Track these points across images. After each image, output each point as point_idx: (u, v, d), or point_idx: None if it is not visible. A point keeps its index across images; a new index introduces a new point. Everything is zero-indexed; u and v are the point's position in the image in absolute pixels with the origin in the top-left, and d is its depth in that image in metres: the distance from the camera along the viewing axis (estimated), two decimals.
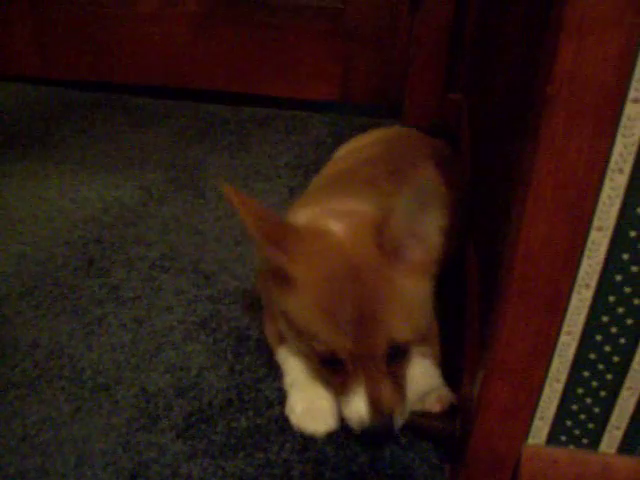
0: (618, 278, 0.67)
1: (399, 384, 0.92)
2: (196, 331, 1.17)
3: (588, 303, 0.69)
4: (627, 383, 0.73)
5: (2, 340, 1.14)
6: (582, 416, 0.77)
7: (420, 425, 0.96)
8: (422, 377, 1.00)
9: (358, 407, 0.90)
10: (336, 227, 0.93)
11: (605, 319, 0.70)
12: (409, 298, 0.90)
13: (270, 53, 2.07)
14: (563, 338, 0.71)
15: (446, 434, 0.94)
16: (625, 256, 0.66)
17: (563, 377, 0.74)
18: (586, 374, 0.74)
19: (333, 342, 0.88)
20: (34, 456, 0.94)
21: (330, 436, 0.97)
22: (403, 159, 1.27)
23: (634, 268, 0.66)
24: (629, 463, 0.78)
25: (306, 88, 2.10)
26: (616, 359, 0.72)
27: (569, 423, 0.77)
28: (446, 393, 0.97)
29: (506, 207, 0.78)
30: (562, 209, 0.63)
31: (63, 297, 1.24)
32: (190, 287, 1.27)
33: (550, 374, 0.74)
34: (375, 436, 0.93)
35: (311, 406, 0.98)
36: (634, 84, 0.57)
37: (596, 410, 0.76)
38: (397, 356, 0.91)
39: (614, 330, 0.70)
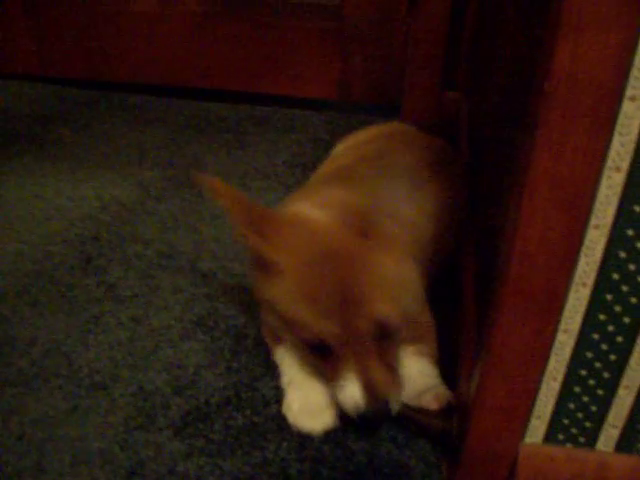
0: (615, 276, 0.67)
1: (391, 366, 0.92)
2: (193, 329, 1.16)
3: (585, 301, 0.69)
4: (624, 381, 0.73)
5: None
6: (579, 414, 0.77)
7: (417, 423, 0.96)
8: (419, 375, 1.00)
9: (352, 392, 0.89)
10: (317, 214, 0.93)
11: (602, 317, 0.70)
12: (391, 279, 0.90)
13: (268, 51, 2.07)
14: (560, 336, 0.71)
15: (443, 432, 0.94)
16: (622, 254, 0.66)
17: (560, 376, 0.74)
18: (583, 372, 0.74)
19: (319, 328, 0.88)
20: (31, 454, 0.94)
21: (327, 435, 0.97)
22: (401, 157, 1.27)
23: (631, 266, 0.66)
24: (626, 461, 0.78)
25: (304, 86, 2.09)
26: (613, 357, 0.72)
27: (566, 422, 0.77)
28: (443, 391, 0.97)
29: (504, 205, 0.77)
30: (559, 207, 0.63)
31: (60, 295, 1.24)
32: (188, 285, 1.27)
33: (547, 372, 0.74)
34: (371, 420, 0.92)
35: (308, 404, 0.98)
36: (631, 82, 0.57)
37: (593, 408, 0.76)
38: (386, 338, 0.90)
39: (611, 328, 0.70)
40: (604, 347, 0.71)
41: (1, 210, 1.51)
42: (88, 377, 1.06)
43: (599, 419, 0.76)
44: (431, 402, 0.96)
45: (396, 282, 0.91)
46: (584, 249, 0.66)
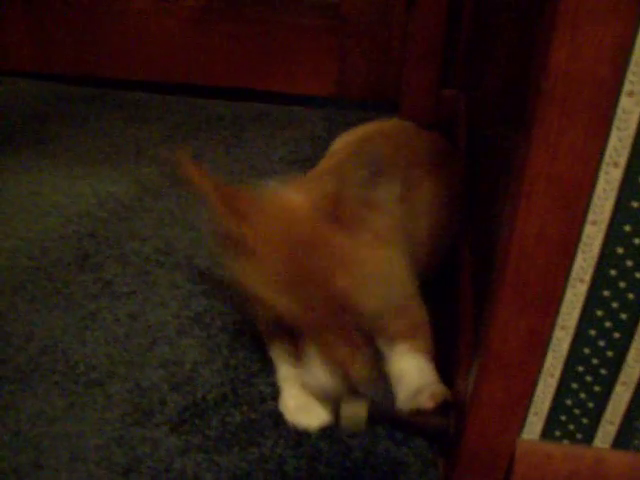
0: (613, 273, 0.67)
1: (357, 345, 0.92)
2: (190, 326, 1.16)
3: (582, 298, 0.69)
4: (621, 378, 0.73)
5: None
6: (576, 411, 0.77)
7: (414, 423, 0.96)
8: (415, 373, 1.00)
9: (318, 372, 0.91)
10: (293, 198, 0.94)
11: (599, 314, 0.70)
12: (366, 266, 0.90)
13: (266, 48, 2.06)
14: (557, 333, 0.71)
15: (440, 430, 0.93)
16: (620, 250, 0.66)
17: (557, 372, 0.74)
18: (580, 369, 0.74)
19: (284, 308, 0.88)
20: (27, 451, 0.93)
21: (324, 431, 0.97)
22: (399, 154, 1.27)
23: (629, 262, 0.66)
24: (623, 458, 0.78)
25: (302, 83, 2.09)
26: (610, 354, 0.72)
27: (563, 418, 0.77)
28: (439, 389, 0.96)
29: (501, 201, 0.77)
30: (556, 203, 0.63)
31: (57, 292, 1.24)
32: (185, 282, 1.27)
33: (544, 369, 0.74)
34: (336, 395, 0.93)
35: (304, 401, 0.98)
36: (629, 77, 0.57)
37: (590, 405, 0.76)
38: (351, 317, 0.90)
39: (608, 325, 0.70)
40: (601, 343, 0.71)
41: None
42: (85, 373, 1.06)
43: (596, 415, 0.76)
44: (427, 401, 0.96)
45: (372, 271, 0.91)
46: (581, 245, 0.66)
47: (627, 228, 0.64)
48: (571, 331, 0.71)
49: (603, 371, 0.73)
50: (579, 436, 0.78)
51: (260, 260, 0.89)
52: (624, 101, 0.58)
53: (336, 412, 0.96)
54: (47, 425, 0.97)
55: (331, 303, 0.88)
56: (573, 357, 0.73)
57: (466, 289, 1.04)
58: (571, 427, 0.78)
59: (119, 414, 0.99)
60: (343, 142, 1.50)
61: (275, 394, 1.02)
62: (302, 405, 0.98)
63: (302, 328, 0.90)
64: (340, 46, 2.02)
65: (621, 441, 0.78)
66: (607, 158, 0.61)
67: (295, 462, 0.92)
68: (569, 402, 0.76)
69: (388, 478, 0.90)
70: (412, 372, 1.00)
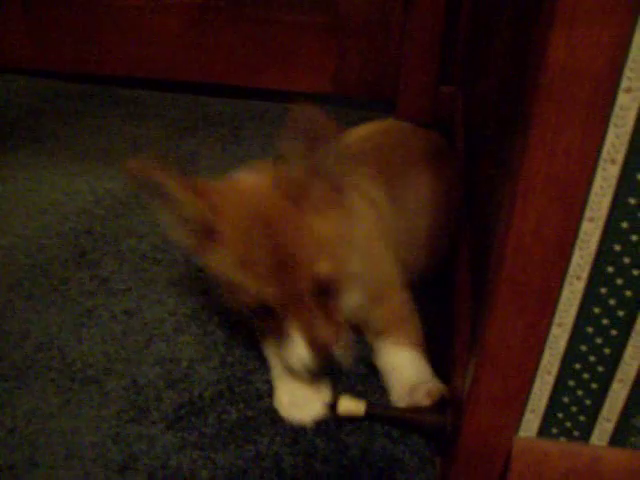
0: (610, 270, 0.67)
1: (333, 319, 0.95)
2: (187, 323, 1.16)
3: (579, 295, 0.69)
4: (618, 375, 0.73)
5: None
6: (573, 408, 0.76)
7: (410, 420, 0.96)
8: (407, 368, 1.01)
9: (297, 349, 0.92)
10: (246, 180, 0.96)
11: (597, 311, 0.69)
12: (320, 231, 0.92)
13: (264, 46, 2.06)
14: (554, 330, 0.71)
15: (437, 427, 0.93)
16: (617, 247, 0.65)
17: (554, 369, 0.74)
18: (577, 366, 0.73)
19: (258, 291, 0.90)
20: (23, 448, 0.93)
21: (321, 428, 0.96)
22: (395, 154, 1.27)
23: (626, 259, 0.66)
24: (620, 455, 0.78)
25: (299, 81, 2.09)
26: (607, 351, 0.72)
27: (560, 415, 0.77)
28: (435, 386, 0.96)
29: (499, 198, 0.77)
30: (553, 200, 0.62)
31: (53, 289, 1.23)
32: (181, 279, 1.27)
33: (541, 366, 0.74)
34: (318, 373, 0.95)
35: (297, 396, 0.99)
36: (626, 73, 0.57)
37: (587, 402, 0.76)
38: (324, 292, 0.93)
39: (605, 322, 0.70)
40: (598, 341, 0.71)
41: None
42: (81, 371, 1.06)
43: (593, 413, 0.76)
44: (423, 399, 0.96)
45: (329, 238, 0.93)
46: (579, 242, 0.65)
47: (624, 225, 0.64)
48: (568, 328, 0.71)
49: (600, 368, 0.73)
50: (576, 433, 0.78)
51: (228, 246, 0.91)
52: (621, 98, 0.58)
53: (333, 409, 0.97)
54: (43, 422, 0.97)
55: (303, 279, 0.90)
56: (570, 354, 0.73)
57: (463, 286, 1.04)
58: (568, 424, 0.78)
59: (115, 411, 0.99)
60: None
61: (272, 391, 1.02)
62: (296, 400, 0.99)
63: (279, 308, 0.92)
64: (338, 44, 2.02)
65: (618, 438, 0.78)
66: (604, 155, 0.61)
67: (292, 459, 0.92)
68: (566, 399, 0.76)
69: (385, 475, 0.90)
70: (403, 366, 1.01)
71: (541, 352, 0.73)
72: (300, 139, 0.87)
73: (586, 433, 0.78)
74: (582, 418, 0.77)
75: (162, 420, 0.98)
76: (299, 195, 0.91)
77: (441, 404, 0.95)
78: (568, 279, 0.68)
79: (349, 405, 0.96)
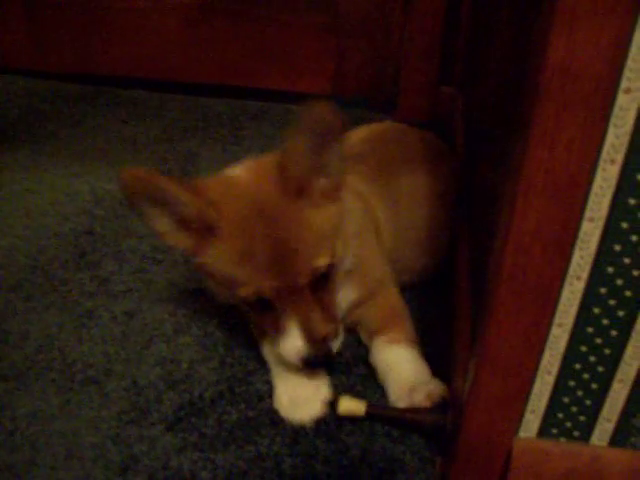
0: (610, 270, 0.67)
1: (328, 310, 0.96)
2: (187, 324, 1.16)
3: (579, 295, 0.69)
4: (618, 375, 0.73)
5: None
6: (573, 409, 0.76)
7: (410, 420, 0.95)
8: (408, 369, 1.00)
9: (294, 340, 0.94)
10: (245, 175, 0.97)
11: (596, 311, 0.69)
12: (320, 226, 0.93)
13: (263, 46, 2.06)
14: (554, 330, 0.71)
15: (437, 427, 0.93)
16: (617, 247, 0.65)
17: (554, 369, 0.74)
18: (577, 366, 0.73)
19: (258, 283, 0.91)
20: (23, 449, 0.93)
21: (321, 429, 0.96)
22: (393, 156, 1.27)
23: (626, 260, 0.66)
24: (620, 455, 0.78)
25: (299, 81, 2.09)
26: (607, 351, 0.72)
27: (560, 416, 0.77)
28: (436, 388, 0.96)
29: (499, 198, 0.77)
30: (553, 200, 0.62)
31: (53, 290, 1.23)
32: (181, 280, 1.27)
33: (541, 367, 0.74)
34: (315, 363, 0.96)
35: (296, 396, 0.99)
36: (626, 73, 0.57)
37: (587, 402, 0.76)
38: (320, 283, 0.94)
39: (605, 322, 0.70)
40: (598, 341, 0.71)
41: None
42: (81, 371, 1.06)
43: (593, 413, 0.76)
44: (423, 401, 0.96)
45: (325, 230, 0.94)
46: (579, 242, 0.65)
47: (624, 225, 0.64)
48: (568, 328, 0.71)
49: (600, 368, 0.73)
50: (576, 434, 0.78)
51: (232, 240, 0.91)
52: (621, 98, 0.58)
53: (333, 407, 0.97)
54: (43, 423, 0.97)
55: (303, 272, 0.91)
56: (570, 355, 0.73)
57: (463, 286, 1.04)
58: (568, 425, 0.78)
59: (115, 412, 0.99)
60: None
61: (272, 392, 1.02)
62: (296, 400, 0.99)
63: (278, 300, 0.92)
64: (338, 44, 2.02)
65: (618, 439, 0.78)
66: (604, 155, 0.61)
67: (292, 460, 0.92)
68: (566, 400, 0.76)
69: (385, 475, 0.90)
70: (401, 365, 1.01)
71: (541, 352, 0.73)
72: (309, 136, 0.88)
73: (586, 433, 0.78)
74: (582, 418, 0.77)
75: (162, 421, 0.98)
76: (300, 190, 0.92)
77: (442, 404, 0.95)
78: (568, 279, 0.68)
79: (349, 405, 0.96)
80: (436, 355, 1.04)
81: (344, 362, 1.07)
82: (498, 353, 0.73)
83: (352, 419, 0.97)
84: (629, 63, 0.56)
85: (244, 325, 1.13)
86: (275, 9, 2.01)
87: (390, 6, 1.95)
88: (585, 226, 0.65)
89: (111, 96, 2.11)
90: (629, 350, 0.71)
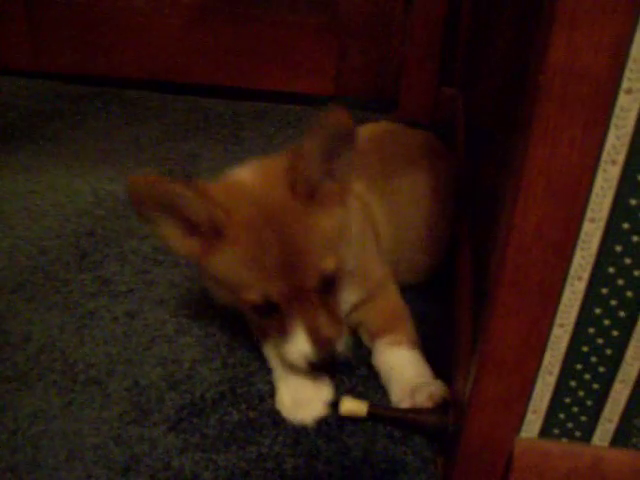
0: (611, 270, 0.67)
1: (334, 313, 0.96)
2: (189, 324, 1.16)
3: (581, 295, 0.69)
4: (620, 376, 0.73)
5: None
6: (575, 409, 0.76)
7: (412, 420, 0.96)
8: (410, 370, 1.01)
9: (300, 343, 0.94)
10: (249, 177, 0.97)
11: (598, 311, 0.70)
12: (328, 230, 0.94)
13: (265, 47, 2.06)
14: (556, 330, 0.71)
15: (439, 428, 0.93)
16: (618, 248, 0.65)
17: (556, 370, 0.74)
18: (579, 367, 0.73)
19: (265, 287, 0.91)
20: (25, 450, 0.93)
21: (323, 430, 0.96)
22: (392, 156, 1.27)
23: (627, 260, 0.66)
24: (621, 456, 0.78)
25: (300, 82, 2.09)
26: (609, 352, 0.72)
27: (562, 416, 0.77)
28: (437, 388, 0.96)
29: (500, 199, 0.77)
30: (554, 200, 0.62)
31: (55, 290, 1.23)
32: (183, 280, 1.27)
33: (543, 367, 0.74)
34: (321, 366, 0.96)
35: (298, 396, 0.99)
36: (627, 74, 0.57)
37: (589, 403, 0.76)
38: (326, 287, 0.94)
39: (607, 322, 0.70)
40: (600, 341, 0.71)
41: None
42: (83, 372, 1.06)
43: (595, 413, 0.76)
44: (425, 402, 0.96)
45: (333, 234, 0.94)
46: (580, 242, 0.66)
47: (625, 225, 0.64)
48: (569, 329, 0.71)
49: (602, 369, 0.73)
50: (578, 434, 0.78)
51: (240, 243, 0.91)
52: (622, 98, 0.58)
53: (336, 408, 0.97)
54: (45, 424, 0.97)
55: (311, 275, 0.91)
56: (572, 355, 0.73)
57: (465, 287, 1.04)
58: (570, 425, 0.78)
59: (117, 413, 0.99)
60: None
61: (274, 393, 1.02)
62: (298, 401, 0.99)
63: (285, 304, 0.92)
64: (339, 45, 2.02)
65: (620, 439, 0.78)
66: (605, 155, 0.61)
67: (293, 461, 0.92)
68: (568, 400, 0.76)
69: (387, 476, 0.90)
70: (402, 366, 1.01)
71: (542, 353, 0.73)
72: (324, 140, 0.88)
73: (588, 434, 0.78)
74: (584, 418, 0.77)
75: (164, 421, 0.98)
76: (310, 194, 0.92)
77: (443, 405, 0.95)
78: (569, 280, 0.68)
79: (352, 405, 0.96)
80: (437, 356, 1.04)
81: (346, 363, 1.07)
82: (499, 353, 0.73)
83: (354, 420, 0.97)
84: (630, 63, 0.57)
85: (245, 326, 1.13)
86: (275, 9, 2.01)
87: (391, 6, 1.95)
88: (586, 226, 0.65)
89: (112, 97, 2.11)
90: (630, 350, 0.71)
